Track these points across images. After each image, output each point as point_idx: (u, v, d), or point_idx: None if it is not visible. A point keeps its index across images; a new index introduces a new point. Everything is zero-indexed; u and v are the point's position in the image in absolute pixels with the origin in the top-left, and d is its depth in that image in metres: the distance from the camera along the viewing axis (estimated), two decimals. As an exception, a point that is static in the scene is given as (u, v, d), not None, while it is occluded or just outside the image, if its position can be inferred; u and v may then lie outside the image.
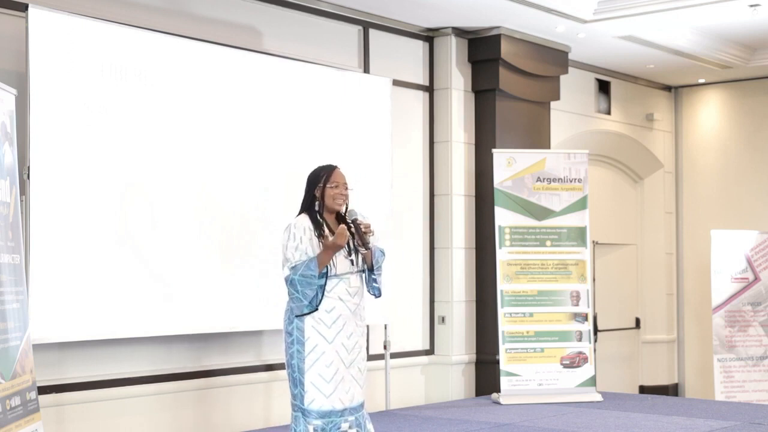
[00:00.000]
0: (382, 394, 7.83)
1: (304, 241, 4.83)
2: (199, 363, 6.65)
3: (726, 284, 9.47)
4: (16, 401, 4.53)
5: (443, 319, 8.43)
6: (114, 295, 5.92)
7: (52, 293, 5.61)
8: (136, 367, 6.29)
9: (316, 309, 4.81)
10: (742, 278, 9.52)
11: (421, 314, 8.40)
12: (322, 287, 4.80)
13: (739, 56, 9.78)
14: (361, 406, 4.98)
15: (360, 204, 7.46)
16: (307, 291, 4.78)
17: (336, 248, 4.80)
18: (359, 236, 4.86)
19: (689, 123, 11.19)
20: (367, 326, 7.81)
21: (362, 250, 4.90)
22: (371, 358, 7.84)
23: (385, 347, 7.78)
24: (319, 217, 4.93)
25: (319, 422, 4.81)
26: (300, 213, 5.00)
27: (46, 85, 5.62)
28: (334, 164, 5.08)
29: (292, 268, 4.80)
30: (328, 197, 4.93)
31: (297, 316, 4.84)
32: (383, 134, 7.66)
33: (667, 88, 11.18)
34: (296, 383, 4.86)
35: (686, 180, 11.19)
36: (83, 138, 5.80)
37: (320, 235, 4.85)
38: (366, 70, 7.89)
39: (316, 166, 5.10)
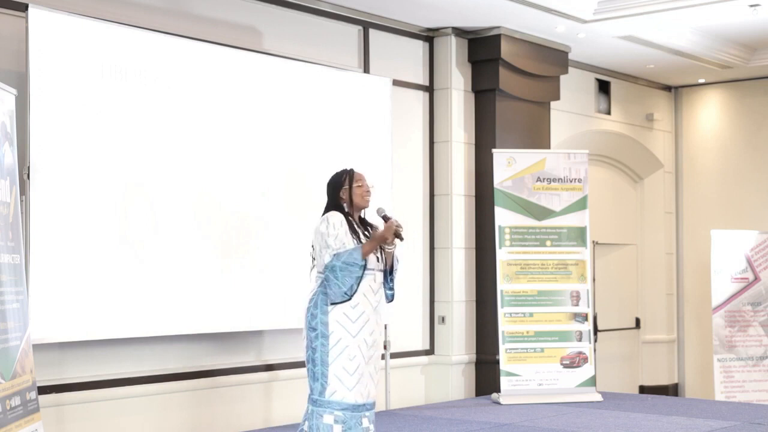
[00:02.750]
0: (382, 394, 7.82)
1: (342, 231, 5.03)
2: (199, 363, 6.65)
3: (726, 284, 9.47)
4: (16, 401, 4.53)
5: (443, 319, 8.43)
6: (114, 295, 5.92)
7: (52, 293, 5.61)
8: (136, 367, 6.29)
9: (350, 298, 4.96)
10: (742, 278, 9.52)
11: (421, 314, 8.40)
12: (359, 279, 4.97)
13: (739, 56, 9.78)
14: (374, 404, 5.11)
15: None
16: (347, 279, 4.95)
17: (382, 240, 5.05)
18: (394, 233, 5.09)
19: (689, 123, 11.19)
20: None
21: (387, 248, 5.12)
22: (371, 358, 7.85)
23: (385, 347, 7.77)
24: (347, 217, 5.14)
25: (340, 413, 4.92)
26: (327, 211, 5.17)
27: (46, 85, 5.62)
28: (350, 167, 5.29)
29: (335, 255, 4.97)
30: (357, 195, 5.16)
31: (321, 310, 4.97)
32: (383, 134, 7.66)
33: (667, 88, 11.18)
34: (317, 377, 4.97)
35: (686, 180, 11.19)
36: (83, 138, 5.80)
37: (353, 233, 5.06)
38: (366, 70, 7.89)
39: (333, 173, 5.28)
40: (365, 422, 4.99)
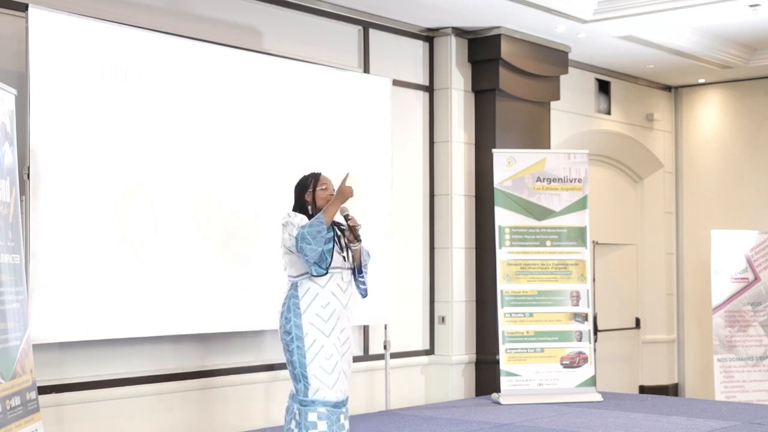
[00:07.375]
0: (382, 394, 7.83)
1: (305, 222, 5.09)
2: (199, 363, 6.65)
3: (726, 284, 9.47)
4: (16, 401, 4.54)
5: (443, 319, 8.43)
6: (114, 295, 5.92)
7: (52, 293, 5.60)
8: (136, 367, 6.29)
9: (326, 272, 5.00)
10: (742, 278, 9.52)
11: (421, 314, 8.40)
12: (330, 250, 4.98)
13: (739, 56, 9.78)
14: (348, 400, 5.21)
15: (360, 204, 7.48)
16: (319, 241, 4.95)
17: (342, 198, 5.07)
18: (351, 230, 5.15)
19: (689, 123, 11.19)
20: (366, 326, 7.83)
21: (353, 246, 5.19)
22: (371, 358, 7.86)
23: (385, 347, 7.78)
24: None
25: (323, 410, 5.03)
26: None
27: (46, 85, 5.62)
28: (318, 171, 5.38)
29: (302, 226, 5.01)
30: (320, 199, 5.24)
31: (294, 314, 5.04)
32: (383, 134, 7.66)
33: (667, 88, 11.18)
34: (298, 378, 5.09)
35: (686, 180, 11.19)
36: (83, 138, 5.80)
37: None
38: (366, 70, 7.89)
39: (301, 176, 5.37)
40: (341, 418, 5.10)
